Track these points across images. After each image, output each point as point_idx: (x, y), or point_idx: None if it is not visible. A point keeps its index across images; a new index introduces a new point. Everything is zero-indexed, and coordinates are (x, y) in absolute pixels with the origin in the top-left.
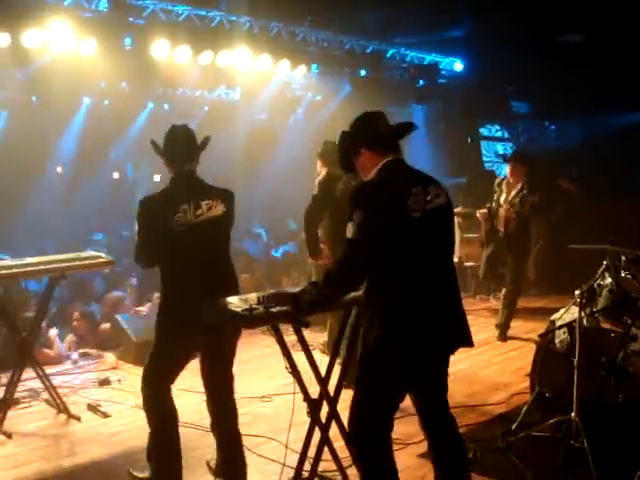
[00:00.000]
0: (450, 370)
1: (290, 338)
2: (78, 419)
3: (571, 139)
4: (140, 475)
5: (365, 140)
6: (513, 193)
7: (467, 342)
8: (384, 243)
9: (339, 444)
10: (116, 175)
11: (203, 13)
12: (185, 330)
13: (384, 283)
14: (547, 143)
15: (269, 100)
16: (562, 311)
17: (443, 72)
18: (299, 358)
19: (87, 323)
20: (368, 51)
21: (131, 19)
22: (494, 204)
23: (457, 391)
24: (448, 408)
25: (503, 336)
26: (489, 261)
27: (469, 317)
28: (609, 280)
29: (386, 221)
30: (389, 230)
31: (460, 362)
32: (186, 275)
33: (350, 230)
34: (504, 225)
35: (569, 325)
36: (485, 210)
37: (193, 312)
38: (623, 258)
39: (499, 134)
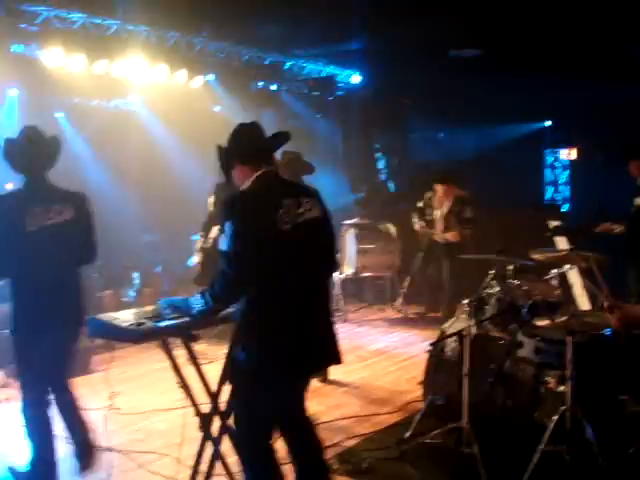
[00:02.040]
0: (346, 381)
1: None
2: None
3: (465, 151)
4: None
5: (238, 154)
6: (445, 210)
7: (335, 360)
8: (254, 255)
9: (233, 459)
10: None
11: (99, 21)
12: None
13: (253, 296)
14: (441, 155)
15: (167, 111)
16: (452, 320)
17: (341, 84)
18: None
19: None
20: (266, 62)
21: (23, 26)
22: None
23: (352, 402)
24: (305, 415)
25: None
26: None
27: (366, 327)
28: (497, 289)
29: (256, 232)
30: (259, 242)
31: (356, 372)
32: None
33: (224, 242)
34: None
35: (459, 334)
36: (422, 224)
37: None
38: (510, 267)
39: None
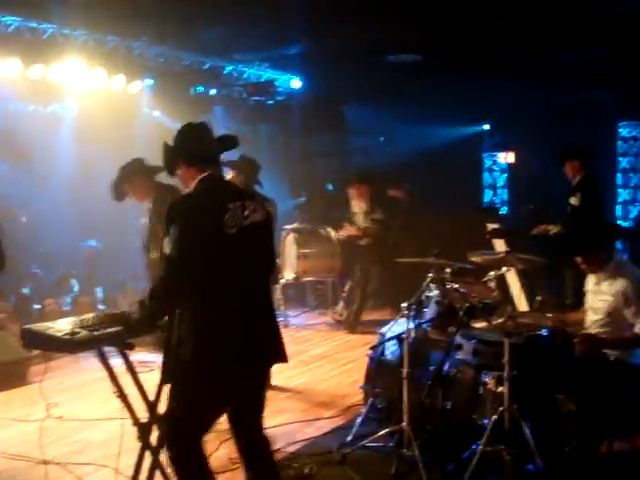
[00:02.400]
0: (288, 386)
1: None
2: None
3: (405, 155)
4: None
5: (183, 154)
6: (361, 212)
7: (281, 358)
8: (199, 259)
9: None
10: None
11: (34, 25)
12: None
13: (197, 300)
14: (382, 159)
15: (106, 115)
16: (392, 323)
17: (281, 89)
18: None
19: None
20: (206, 67)
21: None
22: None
23: (294, 407)
24: (262, 429)
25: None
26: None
27: (307, 332)
28: (435, 292)
29: (201, 236)
30: (204, 245)
31: (298, 377)
32: None
33: (168, 245)
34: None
35: (398, 337)
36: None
37: None
38: (448, 270)
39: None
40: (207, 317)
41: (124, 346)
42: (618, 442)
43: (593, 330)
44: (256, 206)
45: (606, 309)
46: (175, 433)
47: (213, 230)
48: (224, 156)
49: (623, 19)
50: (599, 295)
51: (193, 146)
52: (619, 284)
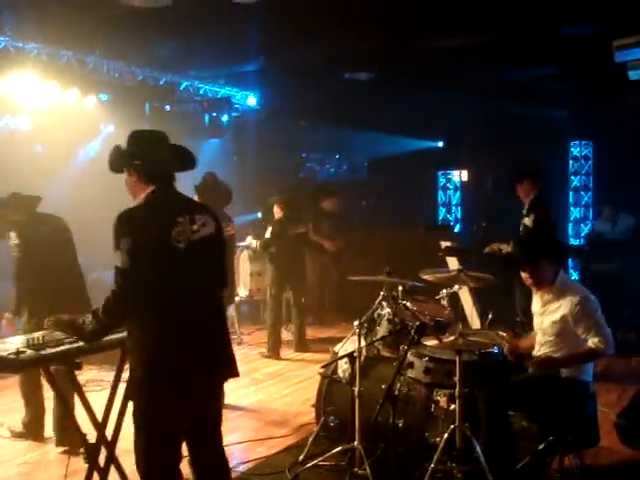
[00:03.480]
0: (241, 405)
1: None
2: None
3: (359, 172)
4: None
5: (136, 163)
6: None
7: (232, 373)
8: (147, 273)
9: None
10: None
11: None
12: None
13: (145, 317)
14: (337, 175)
15: (59, 130)
16: (345, 341)
17: (237, 106)
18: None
19: None
20: (161, 82)
21: None
22: None
23: (247, 426)
24: (220, 452)
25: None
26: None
27: (262, 349)
28: (387, 310)
29: (150, 250)
30: (153, 260)
31: (251, 395)
32: None
33: (119, 258)
34: None
35: (350, 355)
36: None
37: None
38: (400, 288)
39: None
40: (155, 334)
41: (72, 365)
42: (569, 458)
43: (544, 350)
44: (206, 219)
45: (555, 330)
46: (147, 469)
47: (161, 245)
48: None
49: (575, 40)
50: (547, 316)
51: (148, 156)
52: (566, 305)
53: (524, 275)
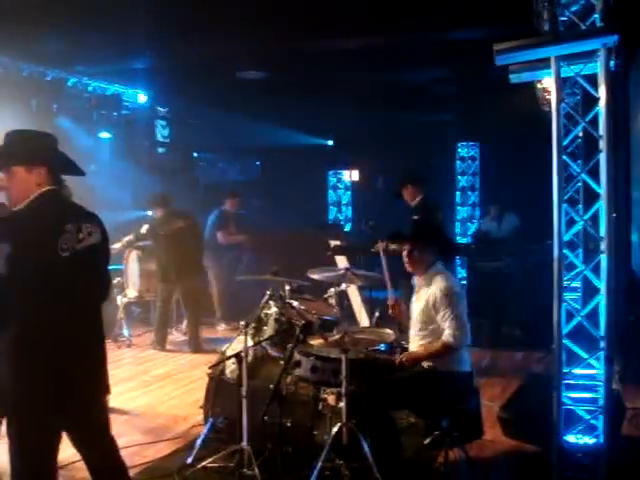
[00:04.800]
0: (127, 408)
1: None
2: None
3: (251, 172)
4: None
5: (25, 160)
6: None
7: (103, 391)
8: (27, 280)
9: None
10: None
11: None
12: None
13: (21, 323)
14: (230, 175)
15: None
16: (232, 341)
17: (127, 103)
18: None
19: None
20: (48, 78)
21: None
22: None
23: (135, 429)
24: (116, 450)
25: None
26: None
27: (151, 351)
28: (274, 309)
29: (33, 258)
30: (35, 267)
31: (138, 399)
32: None
33: None
34: None
35: (237, 355)
36: None
37: None
38: (287, 287)
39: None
40: (31, 345)
41: None
42: (453, 451)
43: (417, 342)
44: (92, 228)
45: (422, 318)
46: (19, 469)
47: (45, 252)
48: None
49: (464, 44)
50: (416, 304)
51: (39, 155)
52: (431, 291)
53: (404, 253)
